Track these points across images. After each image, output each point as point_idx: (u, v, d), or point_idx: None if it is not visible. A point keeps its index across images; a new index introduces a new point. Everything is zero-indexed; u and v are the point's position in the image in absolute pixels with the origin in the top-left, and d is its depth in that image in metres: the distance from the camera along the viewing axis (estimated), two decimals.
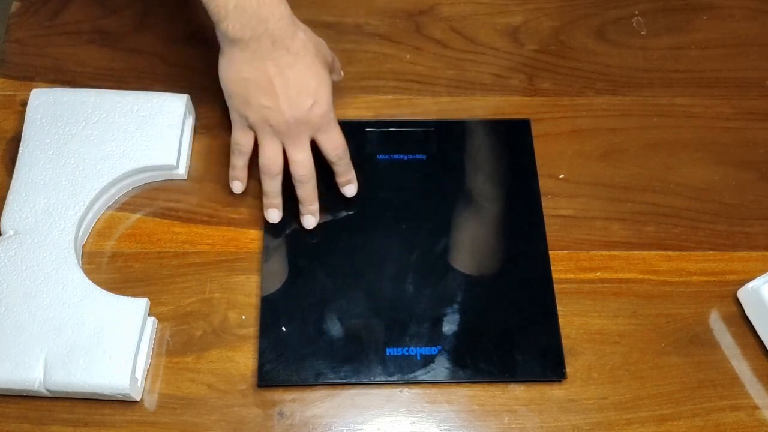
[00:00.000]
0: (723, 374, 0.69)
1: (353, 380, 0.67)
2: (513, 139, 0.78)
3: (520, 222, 0.74)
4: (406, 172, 0.76)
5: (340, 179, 0.73)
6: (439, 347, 0.68)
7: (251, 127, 0.70)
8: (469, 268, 0.72)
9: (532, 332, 0.69)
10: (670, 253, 0.74)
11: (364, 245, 0.72)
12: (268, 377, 0.66)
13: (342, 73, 0.79)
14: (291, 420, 0.66)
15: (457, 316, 0.69)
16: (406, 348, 0.68)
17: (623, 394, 0.68)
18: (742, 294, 0.70)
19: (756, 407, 0.67)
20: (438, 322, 0.69)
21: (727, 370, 0.69)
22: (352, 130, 0.76)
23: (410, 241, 0.73)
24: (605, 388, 0.68)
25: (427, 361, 0.67)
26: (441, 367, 0.67)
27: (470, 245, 0.73)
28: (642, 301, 0.71)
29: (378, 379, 0.67)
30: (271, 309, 0.69)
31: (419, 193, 0.75)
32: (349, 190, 0.74)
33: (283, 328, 0.68)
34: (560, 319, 0.69)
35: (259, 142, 0.71)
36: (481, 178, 0.76)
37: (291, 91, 0.68)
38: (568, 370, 0.68)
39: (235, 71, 0.69)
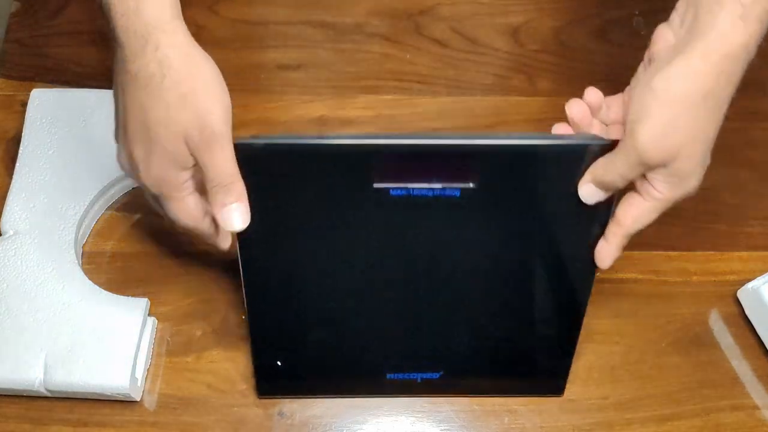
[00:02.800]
0: (723, 374, 0.69)
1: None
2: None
3: (564, 271, 0.61)
4: (431, 213, 0.56)
5: None
6: (441, 372, 0.65)
7: None
8: (486, 299, 0.63)
9: (543, 363, 0.66)
10: (670, 253, 0.74)
11: (367, 274, 0.60)
12: (267, 390, 0.66)
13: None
14: (291, 420, 0.66)
15: (465, 341, 0.63)
16: (407, 373, 0.65)
17: (623, 394, 0.68)
18: (742, 294, 0.70)
19: (756, 407, 0.67)
20: (442, 347, 0.64)
21: (727, 370, 0.69)
22: (346, 155, 0.54)
23: (416, 272, 0.60)
24: (605, 388, 0.68)
25: (428, 383, 0.66)
26: (442, 388, 0.66)
27: (495, 280, 0.62)
28: (642, 301, 0.71)
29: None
30: (263, 335, 0.63)
31: (449, 244, 0.58)
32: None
33: (279, 363, 0.64)
34: None
35: None
36: (531, 223, 0.58)
37: None
38: None
39: None
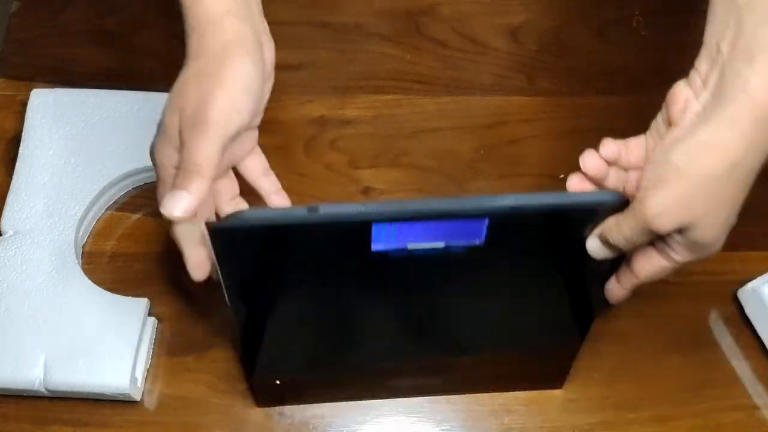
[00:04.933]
0: (723, 374, 0.69)
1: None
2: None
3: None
4: (434, 270, 0.53)
5: None
6: (441, 379, 0.66)
7: None
8: (492, 325, 0.61)
9: (545, 365, 0.66)
10: None
11: (367, 322, 0.60)
12: (266, 400, 0.66)
13: None
14: (291, 420, 0.66)
15: (469, 352, 0.63)
16: (408, 380, 0.65)
17: (623, 394, 0.68)
18: (742, 294, 0.70)
19: (756, 407, 0.67)
20: (444, 359, 0.63)
21: (727, 370, 0.69)
22: (340, 226, 0.48)
23: (418, 318, 0.60)
24: (605, 388, 0.68)
25: (429, 387, 0.66)
26: (442, 387, 0.66)
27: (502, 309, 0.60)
28: (642, 300, 0.71)
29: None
30: (258, 363, 0.61)
31: (454, 290, 0.56)
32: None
33: (277, 381, 0.63)
34: None
35: None
36: (543, 265, 0.56)
37: None
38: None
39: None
